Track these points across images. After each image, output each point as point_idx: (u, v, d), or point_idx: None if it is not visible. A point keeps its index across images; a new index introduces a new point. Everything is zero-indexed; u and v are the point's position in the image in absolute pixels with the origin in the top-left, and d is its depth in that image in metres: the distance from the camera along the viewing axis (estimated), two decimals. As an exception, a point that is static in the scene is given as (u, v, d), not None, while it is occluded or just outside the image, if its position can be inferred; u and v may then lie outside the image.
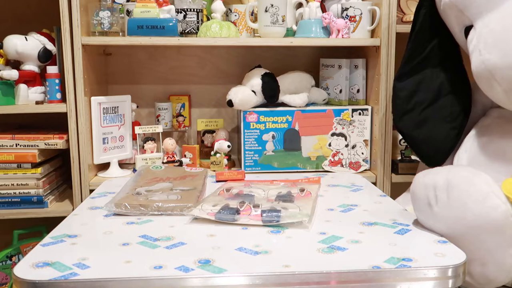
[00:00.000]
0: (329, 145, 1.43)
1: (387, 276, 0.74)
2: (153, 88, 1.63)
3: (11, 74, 1.33)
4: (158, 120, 1.56)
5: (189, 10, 1.40)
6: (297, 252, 0.80)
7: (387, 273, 0.73)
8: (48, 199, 1.35)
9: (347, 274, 0.73)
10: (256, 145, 1.41)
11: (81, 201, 1.29)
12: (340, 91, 1.47)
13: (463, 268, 0.76)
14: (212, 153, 1.45)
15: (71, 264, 0.75)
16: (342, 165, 1.44)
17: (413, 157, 1.47)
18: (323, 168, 1.44)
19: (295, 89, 1.45)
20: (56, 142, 1.32)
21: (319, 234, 0.88)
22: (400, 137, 1.48)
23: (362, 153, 1.44)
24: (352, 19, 1.39)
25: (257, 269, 0.73)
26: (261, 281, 0.72)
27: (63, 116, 1.33)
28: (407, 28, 1.27)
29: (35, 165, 1.33)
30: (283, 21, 1.37)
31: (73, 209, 1.33)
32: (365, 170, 1.45)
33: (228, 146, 1.44)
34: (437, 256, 0.78)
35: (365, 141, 1.44)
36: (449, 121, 1.17)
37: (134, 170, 1.42)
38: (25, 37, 1.36)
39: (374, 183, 1.38)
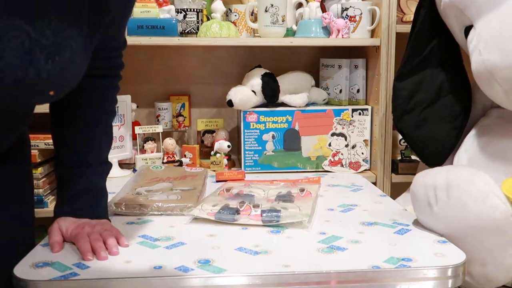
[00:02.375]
0: (329, 145, 1.43)
1: (386, 276, 0.74)
2: (153, 88, 1.63)
3: (11, 74, 1.32)
4: (158, 120, 1.56)
5: (189, 10, 1.40)
6: (297, 252, 0.80)
7: (386, 273, 0.73)
8: (48, 199, 1.35)
9: (347, 274, 0.73)
10: (256, 145, 1.41)
11: (81, 201, 1.29)
12: (340, 91, 1.47)
13: (463, 268, 0.76)
14: (212, 153, 1.45)
15: (71, 264, 0.75)
16: (342, 165, 1.44)
17: (413, 157, 1.47)
18: (323, 168, 1.44)
19: (295, 89, 1.45)
20: (56, 142, 1.32)
21: (319, 234, 0.88)
22: (400, 137, 1.48)
23: (362, 153, 1.44)
24: (352, 19, 1.39)
25: (257, 269, 0.74)
26: (261, 281, 0.72)
27: (63, 116, 1.33)
28: (407, 28, 1.27)
29: (35, 165, 1.33)
30: (283, 21, 1.37)
31: (73, 209, 1.33)
32: (365, 170, 1.45)
33: (228, 146, 1.44)
34: (437, 256, 0.78)
35: (365, 141, 1.44)
36: (449, 121, 1.17)
37: (134, 170, 1.42)
38: (25, 37, 1.36)
39: (374, 183, 1.37)
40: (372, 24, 1.40)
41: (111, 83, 0.91)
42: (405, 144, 1.48)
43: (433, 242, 0.84)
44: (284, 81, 1.44)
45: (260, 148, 1.41)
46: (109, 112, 0.92)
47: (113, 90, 0.92)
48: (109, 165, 0.92)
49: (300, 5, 1.48)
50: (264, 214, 0.94)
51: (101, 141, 0.91)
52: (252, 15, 1.46)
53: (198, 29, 1.41)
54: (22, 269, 0.73)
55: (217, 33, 1.35)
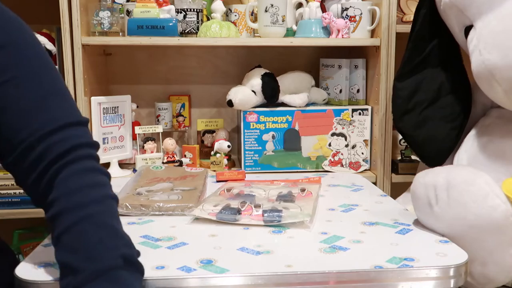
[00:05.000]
0: (329, 145, 1.43)
1: (389, 276, 0.74)
2: (153, 88, 1.63)
3: (11, 74, 1.32)
4: (158, 120, 1.56)
5: (189, 10, 1.40)
6: (299, 252, 0.80)
7: (389, 273, 0.74)
8: (48, 199, 1.35)
9: (349, 274, 0.73)
10: (256, 145, 1.41)
11: (82, 201, 1.29)
12: (340, 91, 1.47)
13: (465, 268, 0.76)
14: (212, 153, 1.45)
15: (73, 264, 0.75)
16: (342, 165, 1.44)
17: (413, 157, 1.48)
18: (323, 168, 1.44)
19: (295, 89, 1.45)
20: (56, 142, 1.31)
21: (321, 234, 0.88)
22: (400, 137, 1.48)
23: (362, 153, 1.44)
24: (352, 19, 1.39)
25: (259, 269, 0.74)
26: (263, 281, 0.72)
27: (63, 116, 1.32)
28: (407, 28, 1.27)
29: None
30: (283, 21, 1.37)
31: (73, 209, 1.33)
32: (365, 170, 1.45)
33: (228, 146, 1.44)
34: (439, 256, 0.78)
35: (365, 141, 1.44)
36: (449, 121, 1.18)
37: (134, 170, 1.42)
38: (25, 37, 1.35)
39: (374, 183, 1.37)
40: (372, 24, 1.40)
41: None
42: (405, 144, 1.48)
43: (435, 242, 0.84)
44: (284, 81, 1.44)
45: (260, 148, 1.41)
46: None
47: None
48: None
49: (300, 5, 1.48)
50: (265, 214, 0.94)
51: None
52: (252, 15, 1.46)
53: (198, 29, 1.40)
54: (24, 270, 0.73)
55: (217, 33, 1.35)
